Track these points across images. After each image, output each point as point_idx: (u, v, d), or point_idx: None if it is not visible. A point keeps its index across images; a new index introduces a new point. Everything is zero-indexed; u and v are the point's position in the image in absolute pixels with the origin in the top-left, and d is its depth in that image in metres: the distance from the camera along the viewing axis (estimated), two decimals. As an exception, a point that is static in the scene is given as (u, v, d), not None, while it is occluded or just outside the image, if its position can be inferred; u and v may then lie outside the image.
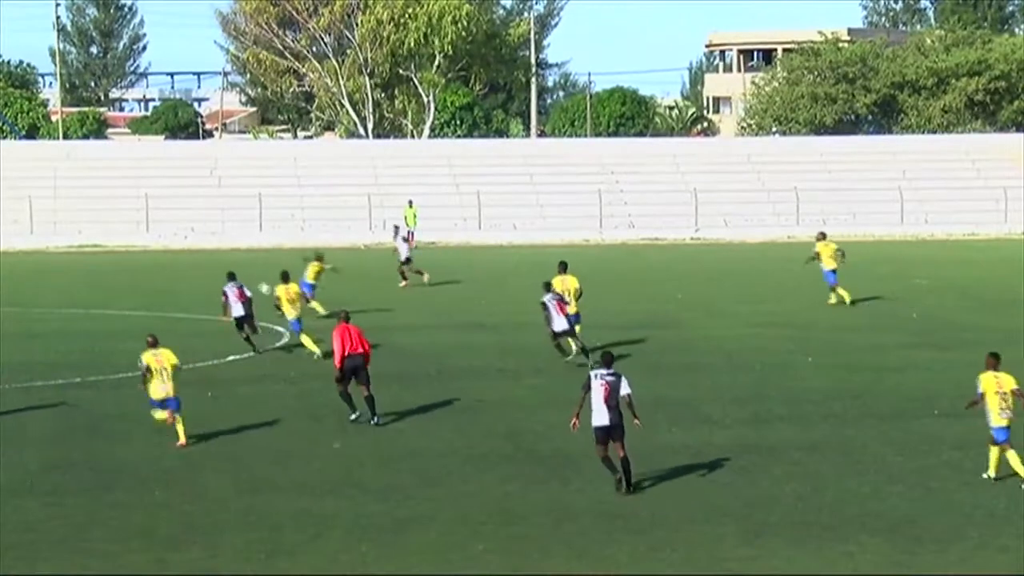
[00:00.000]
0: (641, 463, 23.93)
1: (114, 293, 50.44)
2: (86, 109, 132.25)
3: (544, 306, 33.75)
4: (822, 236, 46.96)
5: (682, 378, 32.48)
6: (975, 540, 19.62)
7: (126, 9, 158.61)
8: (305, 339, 35.65)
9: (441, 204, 79.17)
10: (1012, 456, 22.38)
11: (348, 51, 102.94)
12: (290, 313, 35.93)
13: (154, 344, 26.33)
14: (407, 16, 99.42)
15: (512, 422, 27.59)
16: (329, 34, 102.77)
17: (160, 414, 25.87)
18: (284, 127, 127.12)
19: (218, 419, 27.94)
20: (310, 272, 42.65)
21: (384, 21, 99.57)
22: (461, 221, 78.82)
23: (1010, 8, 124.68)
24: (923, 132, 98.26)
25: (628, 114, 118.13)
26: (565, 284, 35.86)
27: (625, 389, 22.11)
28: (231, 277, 36.64)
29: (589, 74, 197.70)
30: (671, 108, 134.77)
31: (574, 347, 34.22)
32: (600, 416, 21.92)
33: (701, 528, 20.15)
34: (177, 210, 76.56)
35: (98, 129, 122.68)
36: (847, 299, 44.78)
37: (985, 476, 22.59)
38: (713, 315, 44.54)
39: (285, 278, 36.60)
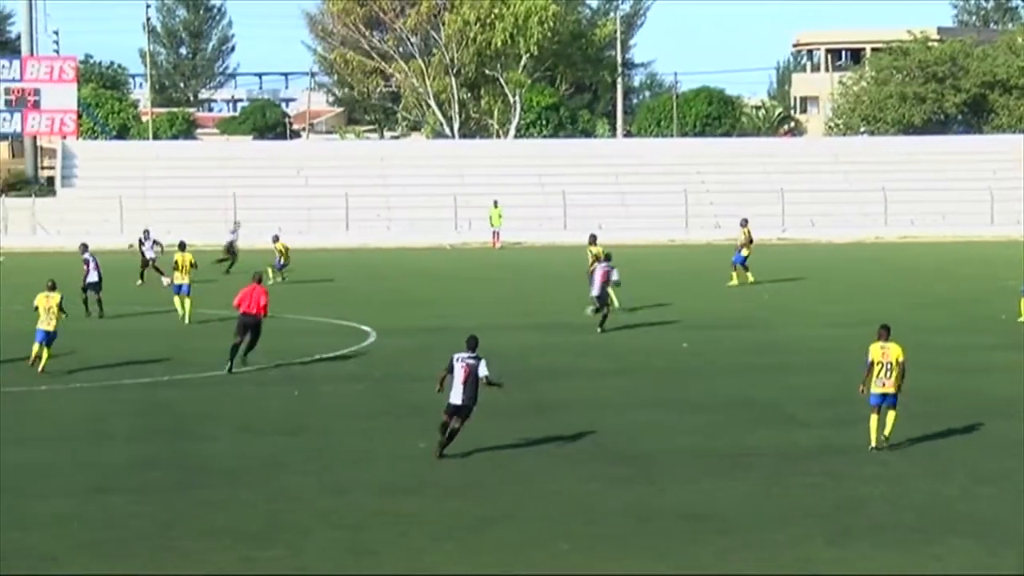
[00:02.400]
0: (727, 464, 23.82)
1: (200, 292, 50.77)
2: (175, 110, 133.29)
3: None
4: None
5: (768, 379, 32.28)
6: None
7: (215, 10, 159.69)
8: (177, 301, 41.78)
9: (526, 204, 79.22)
10: (889, 416, 24.20)
11: (435, 51, 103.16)
12: (178, 279, 41.80)
13: (52, 288, 32.96)
14: (493, 16, 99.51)
15: (595, 421, 27.50)
16: (416, 34, 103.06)
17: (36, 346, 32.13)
18: (371, 127, 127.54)
19: (303, 418, 28.06)
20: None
21: (471, 22, 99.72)
22: (547, 220, 78.82)
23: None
24: (1014, 132, 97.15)
25: (714, 114, 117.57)
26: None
27: (483, 371, 23.81)
28: (84, 248, 44.23)
29: (675, 74, 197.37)
30: (758, 108, 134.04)
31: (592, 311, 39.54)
32: (455, 395, 23.80)
33: (786, 529, 20.00)
34: (265, 210, 76.94)
35: (187, 129, 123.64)
36: None
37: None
38: (799, 315, 44.28)
39: (182, 247, 42.98)
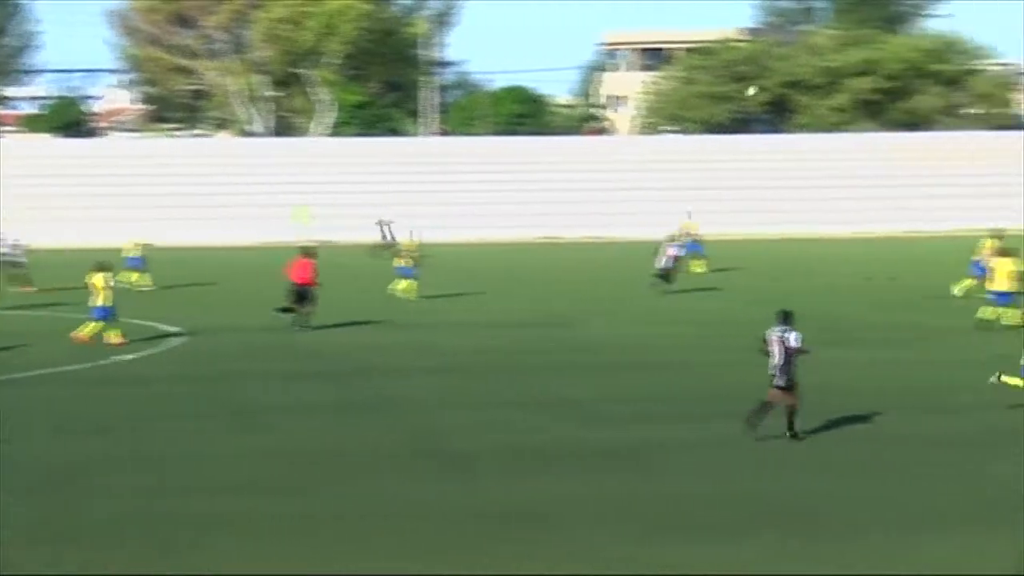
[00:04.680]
0: (542, 462, 24.01)
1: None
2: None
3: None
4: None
5: (584, 377, 32.56)
6: (880, 533, 19.82)
7: (17, 6, 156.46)
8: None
9: (337, 203, 79.05)
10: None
11: (244, 49, 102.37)
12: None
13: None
14: (303, 15, 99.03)
15: (414, 420, 27.58)
16: (226, 32, 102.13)
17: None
18: (178, 125, 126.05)
19: (115, 419, 27.68)
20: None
21: (280, 19, 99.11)
22: (361, 219, 78.55)
23: (900, 8, 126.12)
24: (815, 131, 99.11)
25: (525, 112, 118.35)
26: None
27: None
28: None
29: (484, 73, 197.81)
30: (566, 107, 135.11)
31: None
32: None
33: (602, 527, 20.18)
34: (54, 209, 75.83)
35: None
36: None
37: None
38: (614, 314, 44.70)
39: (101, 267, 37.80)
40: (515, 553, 19.03)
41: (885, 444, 25.21)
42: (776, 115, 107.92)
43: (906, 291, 49.43)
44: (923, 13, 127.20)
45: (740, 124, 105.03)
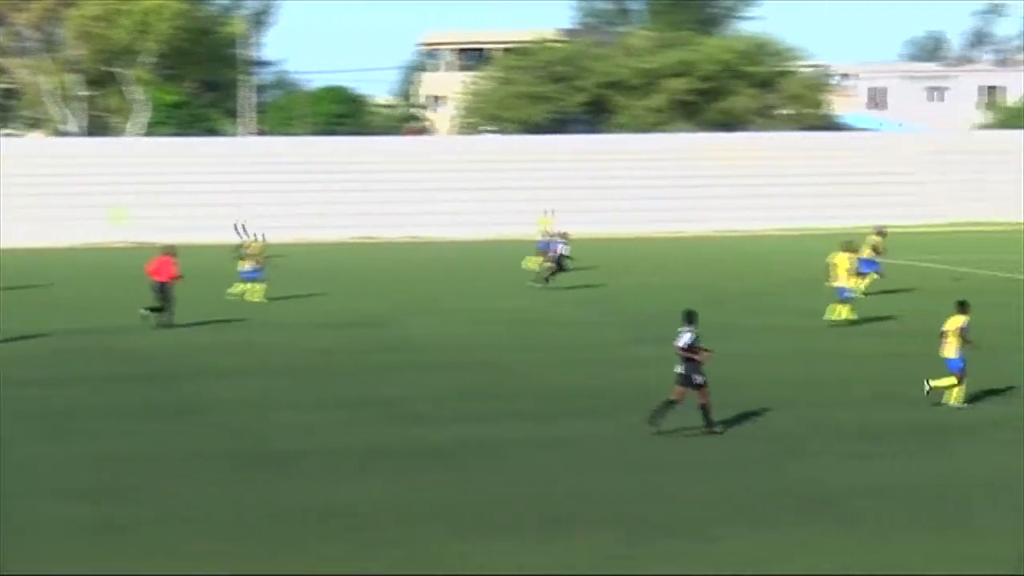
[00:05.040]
0: (360, 461, 24.05)
1: None
2: None
3: None
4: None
5: (401, 376, 32.61)
6: (688, 530, 20.13)
7: None
8: None
9: (154, 203, 78.17)
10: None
11: (57, 47, 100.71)
12: None
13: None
14: (117, 12, 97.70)
15: (233, 422, 27.45)
16: (37, 29, 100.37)
17: None
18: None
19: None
20: None
21: (93, 17, 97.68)
22: (185, 220, 77.69)
23: (714, 11, 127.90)
24: (633, 131, 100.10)
25: (344, 112, 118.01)
26: None
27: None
28: None
29: (303, 73, 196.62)
30: (386, 107, 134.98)
31: None
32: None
33: (421, 526, 20.27)
34: None
35: None
36: None
37: None
38: (433, 313, 44.81)
39: None
40: (338, 552, 19.05)
41: (703, 441, 25.59)
42: (594, 115, 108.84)
43: (715, 290, 50.17)
44: (737, 15, 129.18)
45: (558, 124, 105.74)
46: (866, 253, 47.01)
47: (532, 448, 25.15)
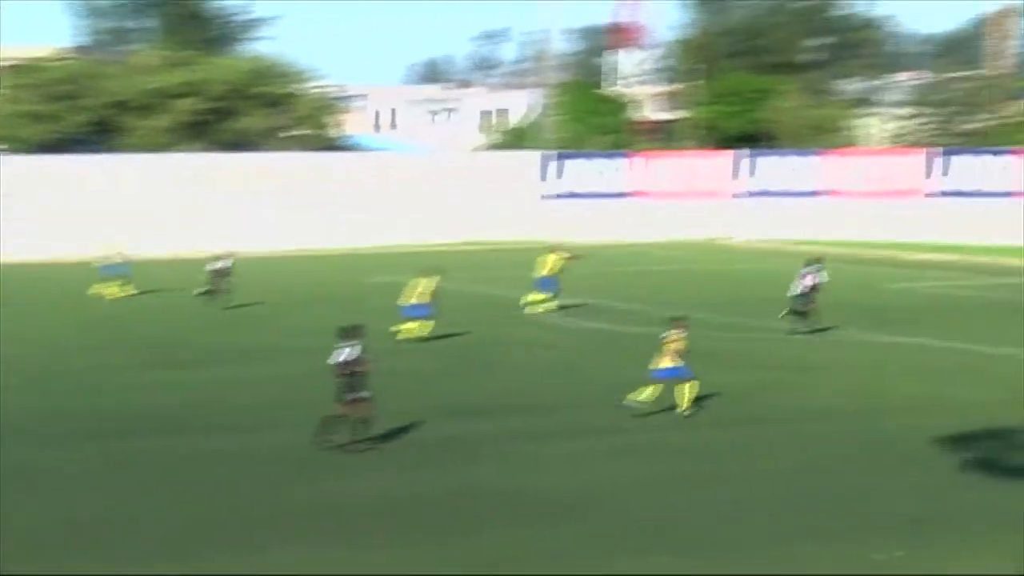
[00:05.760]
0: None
1: None
2: None
3: None
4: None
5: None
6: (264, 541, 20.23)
7: None
8: None
9: None
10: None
11: None
12: None
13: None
14: None
15: None
16: None
17: None
18: None
19: None
20: None
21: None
22: None
23: (223, 31, 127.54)
24: (142, 151, 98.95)
25: None
26: None
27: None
28: None
29: None
30: None
31: None
32: None
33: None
34: None
35: None
36: None
37: None
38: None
39: None
40: None
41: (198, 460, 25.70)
42: (101, 136, 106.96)
43: (216, 312, 50.18)
44: (248, 36, 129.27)
45: (65, 144, 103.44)
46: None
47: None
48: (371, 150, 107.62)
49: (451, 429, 28.50)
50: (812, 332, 42.81)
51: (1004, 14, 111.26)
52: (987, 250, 73.48)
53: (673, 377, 30.34)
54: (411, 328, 41.68)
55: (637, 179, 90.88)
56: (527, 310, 48.47)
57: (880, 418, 30.30)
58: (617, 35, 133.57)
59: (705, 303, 50.89)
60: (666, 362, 30.33)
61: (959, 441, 27.40)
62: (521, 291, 50.49)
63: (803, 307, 43.84)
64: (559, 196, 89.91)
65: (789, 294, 44.10)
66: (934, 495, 23.70)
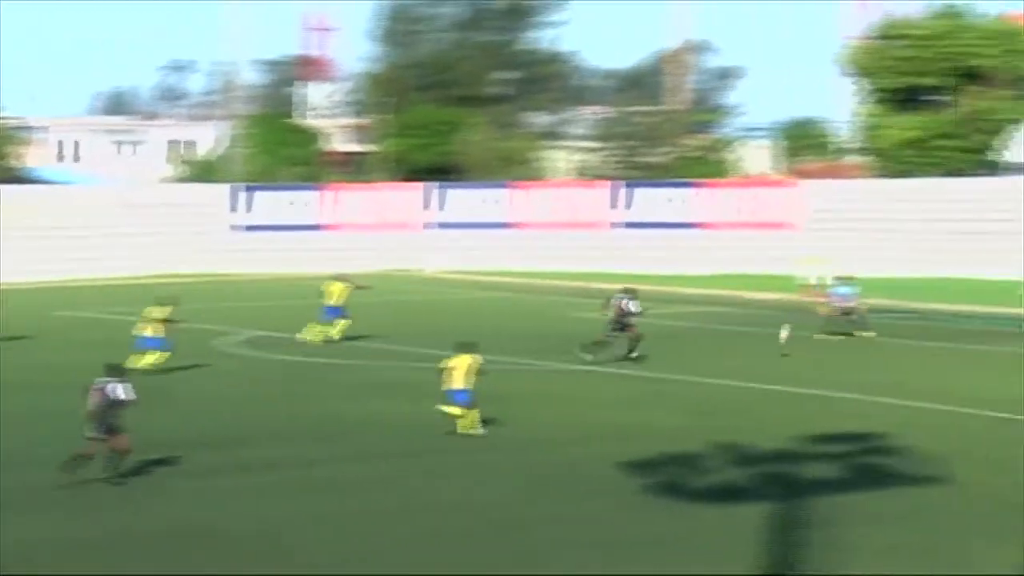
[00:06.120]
0: None
1: None
2: None
3: None
4: None
5: None
6: None
7: None
8: None
9: None
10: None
11: None
12: None
13: None
14: None
15: None
16: None
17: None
18: None
19: None
20: None
21: None
22: None
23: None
24: None
25: None
26: None
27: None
28: None
29: None
30: None
31: None
32: None
33: None
34: None
35: None
36: None
37: None
38: None
39: None
40: None
41: None
42: None
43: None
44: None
45: None
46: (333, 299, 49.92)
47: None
48: (53, 183, 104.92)
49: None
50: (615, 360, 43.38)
51: (682, 50, 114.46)
52: (670, 279, 75.22)
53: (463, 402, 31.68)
54: (150, 359, 41.81)
55: (328, 211, 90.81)
56: (309, 339, 48.90)
57: (569, 447, 30.76)
58: (306, 67, 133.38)
59: (401, 334, 51.21)
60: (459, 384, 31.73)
61: (644, 467, 27.98)
62: (215, 324, 49.89)
63: (611, 335, 44.24)
64: (249, 228, 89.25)
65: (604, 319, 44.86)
66: (614, 521, 24.17)
